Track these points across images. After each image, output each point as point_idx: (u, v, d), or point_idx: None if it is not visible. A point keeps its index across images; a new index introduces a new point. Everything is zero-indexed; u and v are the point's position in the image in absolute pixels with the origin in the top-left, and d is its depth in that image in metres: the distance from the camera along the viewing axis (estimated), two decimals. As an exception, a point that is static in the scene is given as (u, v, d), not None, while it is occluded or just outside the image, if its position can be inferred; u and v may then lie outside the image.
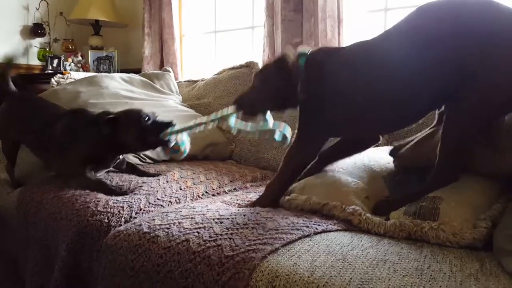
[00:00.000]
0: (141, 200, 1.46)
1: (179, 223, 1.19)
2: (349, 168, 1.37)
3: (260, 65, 2.49)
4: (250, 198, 1.48)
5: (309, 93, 1.26)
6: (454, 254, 0.97)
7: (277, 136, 1.31)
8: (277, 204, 1.33)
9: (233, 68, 2.54)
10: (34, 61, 3.52)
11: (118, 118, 1.55)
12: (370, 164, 1.39)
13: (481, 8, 1.05)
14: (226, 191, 1.69)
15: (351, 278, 0.86)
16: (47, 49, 3.52)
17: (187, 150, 1.57)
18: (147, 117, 1.52)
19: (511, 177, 1.15)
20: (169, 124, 1.51)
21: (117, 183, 1.64)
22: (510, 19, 1.02)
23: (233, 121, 1.36)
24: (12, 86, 1.92)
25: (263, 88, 1.32)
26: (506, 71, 1.01)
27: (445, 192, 1.13)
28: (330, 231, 1.12)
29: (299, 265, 0.92)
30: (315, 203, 1.27)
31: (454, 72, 1.06)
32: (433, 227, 1.05)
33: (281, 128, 1.30)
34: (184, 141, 1.54)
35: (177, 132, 1.48)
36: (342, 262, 0.92)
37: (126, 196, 1.49)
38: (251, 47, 2.98)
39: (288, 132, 1.32)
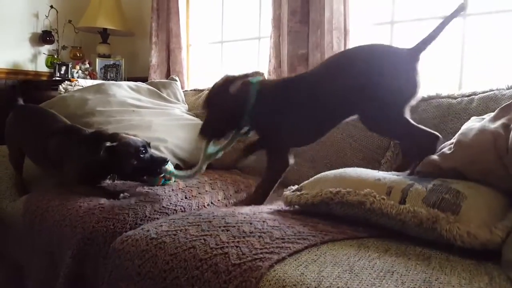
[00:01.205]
0: (146, 207, 1.46)
1: (185, 229, 1.19)
2: (369, 171, 1.36)
3: (266, 76, 2.51)
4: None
5: (263, 116, 1.53)
6: (463, 267, 0.96)
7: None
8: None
9: (239, 78, 2.55)
10: (42, 68, 3.55)
11: (116, 148, 1.56)
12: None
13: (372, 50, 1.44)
14: (231, 202, 1.69)
15: (358, 289, 0.86)
16: (55, 56, 3.55)
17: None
18: (144, 151, 1.59)
19: None
20: (164, 161, 1.62)
21: (117, 189, 1.65)
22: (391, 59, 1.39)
23: (211, 149, 1.58)
24: (20, 99, 2.00)
25: (218, 113, 1.54)
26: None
27: (469, 190, 1.12)
28: (336, 240, 1.11)
29: (306, 275, 0.92)
30: (326, 193, 1.27)
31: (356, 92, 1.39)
32: (450, 220, 1.04)
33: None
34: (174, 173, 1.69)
35: (177, 176, 1.67)
36: (349, 273, 0.92)
37: (131, 203, 1.50)
38: (257, 57, 3.00)
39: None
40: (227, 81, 1.53)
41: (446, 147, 1.31)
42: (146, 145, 1.62)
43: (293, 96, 1.50)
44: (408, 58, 1.36)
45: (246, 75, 1.55)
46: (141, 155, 1.58)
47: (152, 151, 1.64)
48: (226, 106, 1.52)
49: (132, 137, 1.63)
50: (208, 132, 1.56)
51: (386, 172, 1.36)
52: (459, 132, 1.32)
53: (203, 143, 1.58)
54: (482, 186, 1.16)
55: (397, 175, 1.29)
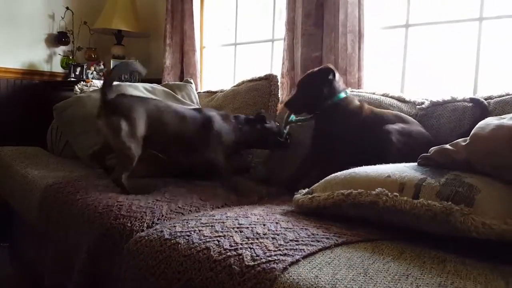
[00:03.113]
0: (163, 206, 1.48)
1: (199, 230, 1.19)
2: (377, 167, 1.35)
3: (279, 78, 2.51)
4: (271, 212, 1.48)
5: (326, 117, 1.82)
6: (478, 271, 0.95)
7: None
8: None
9: (252, 80, 2.55)
10: (57, 69, 3.60)
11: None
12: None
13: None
14: (244, 202, 1.70)
15: (373, 293, 0.86)
16: (71, 57, 3.60)
17: None
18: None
19: None
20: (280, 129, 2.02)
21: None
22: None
23: (292, 117, 2.05)
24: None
25: (305, 94, 1.84)
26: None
27: (483, 184, 1.11)
28: (350, 242, 1.11)
29: (320, 278, 0.92)
30: (338, 195, 1.26)
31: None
32: (464, 212, 1.03)
33: None
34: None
35: (285, 126, 2.05)
36: (364, 276, 0.92)
37: (148, 202, 1.51)
38: (270, 60, 3.01)
39: None
40: (324, 72, 1.80)
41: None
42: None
43: (347, 124, 1.76)
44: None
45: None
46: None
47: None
48: (314, 91, 1.80)
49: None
50: (292, 105, 1.91)
51: (393, 165, 1.35)
52: (477, 126, 1.30)
53: (286, 113, 2.04)
54: (496, 181, 1.16)
55: (405, 167, 1.28)
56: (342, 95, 1.81)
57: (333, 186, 1.33)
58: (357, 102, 1.82)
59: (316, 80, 1.81)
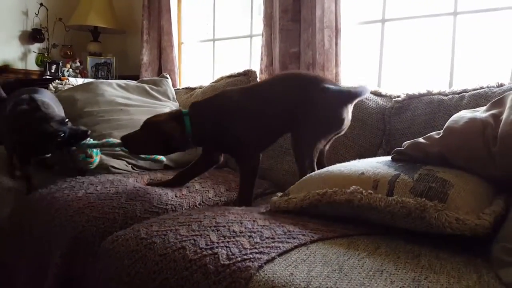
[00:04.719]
0: (136, 206, 1.45)
1: (176, 230, 1.18)
2: (351, 164, 1.35)
3: (258, 74, 2.50)
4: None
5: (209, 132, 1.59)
6: (452, 265, 0.96)
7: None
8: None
9: (231, 76, 2.54)
10: (32, 67, 3.52)
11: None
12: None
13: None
14: (222, 200, 1.68)
15: (347, 290, 0.85)
16: (46, 55, 3.52)
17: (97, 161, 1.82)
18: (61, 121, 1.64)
19: (502, 180, 1.18)
20: (84, 133, 1.65)
21: (107, 187, 1.64)
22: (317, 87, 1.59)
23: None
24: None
25: (149, 143, 1.57)
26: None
27: (456, 179, 1.12)
28: (326, 239, 1.11)
29: (295, 276, 0.91)
30: (314, 195, 1.26)
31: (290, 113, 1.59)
32: (438, 208, 1.03)
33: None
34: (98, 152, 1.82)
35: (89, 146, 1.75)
36: (339, 272, 0.92)
37: (121, 202, 1.48)
38: (249, 55, 2.99)
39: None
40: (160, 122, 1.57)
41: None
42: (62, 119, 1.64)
43: (232, 110, 1.62)
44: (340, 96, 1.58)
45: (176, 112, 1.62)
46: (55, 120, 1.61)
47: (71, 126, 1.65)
48: (158, 143, 1.56)
49: None
50: (135, 150, 1.64)
51: (365, 161, 1.35)
52: (450, 119, 1.31)
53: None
54: (468, 175, 1.17)
55: (378, 163, 1.28)
56: (187, 115, 1.59)
57: (308, 186, 1.32)
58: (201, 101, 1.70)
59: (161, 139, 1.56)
